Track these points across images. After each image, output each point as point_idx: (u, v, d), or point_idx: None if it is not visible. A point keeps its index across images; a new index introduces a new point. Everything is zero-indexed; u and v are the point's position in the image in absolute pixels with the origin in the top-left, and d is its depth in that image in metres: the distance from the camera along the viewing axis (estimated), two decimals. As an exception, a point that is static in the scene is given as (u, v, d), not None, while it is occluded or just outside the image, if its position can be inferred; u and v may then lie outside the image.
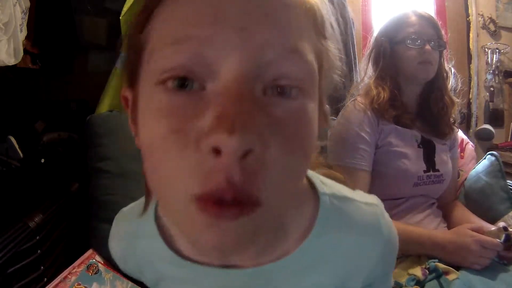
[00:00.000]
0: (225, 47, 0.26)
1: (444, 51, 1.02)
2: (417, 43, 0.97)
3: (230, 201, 0.25)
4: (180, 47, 0.26)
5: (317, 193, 0.40)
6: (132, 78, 0.32)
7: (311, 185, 0.41)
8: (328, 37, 0.34)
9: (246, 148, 0.24)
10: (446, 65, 1.04)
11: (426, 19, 0.99)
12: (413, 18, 0.99)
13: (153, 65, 0.28)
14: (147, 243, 0.42)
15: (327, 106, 0.36)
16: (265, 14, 0.27)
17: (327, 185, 0.41)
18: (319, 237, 0.38)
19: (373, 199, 0.44)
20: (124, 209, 0.48)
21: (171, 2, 0.28)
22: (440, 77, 1.02)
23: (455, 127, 1.08)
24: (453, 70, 1.06)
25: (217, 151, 0.24)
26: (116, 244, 0.48)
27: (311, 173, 0.41)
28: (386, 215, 0.43)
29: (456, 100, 1.05)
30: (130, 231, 0.44)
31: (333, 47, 0.34)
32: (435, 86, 1.02)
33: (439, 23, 1.02)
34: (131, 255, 0.45)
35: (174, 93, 0.26)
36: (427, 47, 0.96)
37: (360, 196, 0.43)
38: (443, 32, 1.01)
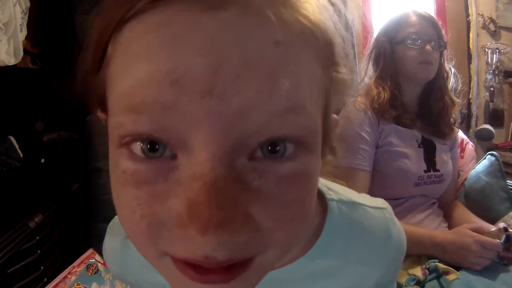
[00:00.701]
0: (191, 118, 0.20)
1: (444, 51, 1.02)
2: (417, 43, 0.97)
3: (215, 268, 0.21)
4: (137, 116, 0.20)
5: (324, 199, 0.37)
6: (102, 107, 0.26)
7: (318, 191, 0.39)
8: (338, 59, 0.27)
9: (225, 242, 0.19)
10: (446, 65, 1.04)
11: (426, 19, 0.99)
12: (414, 18, 0.99)
13: (111, 124, 0.23)
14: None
15: (334, 115, 0.30)
16: (244, 66, 0.20)
17: (333, 190, 0.39)
18: (327, 244, 0.36)
19: (381, 202, 0.42)
20: (116, 219, 0.44)
21: (122, 50, 0.22)
22: (440, 77, 1.02)
23: (455, 127, 1.08)
24: (453, 70, 1.06)
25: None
26: (111, 258, 0.45)
27: None
28: (395, 219, 0.42)
29: (456, 100, 1.05)
30: (123, 244, 0.42)
31: (344, 71, 0.28)
32: (435, 86, 1.02)
33: (439, 23, 1.02)
34: (126, 267, 0.43)
35: (141, 161, 0.21)
36: (428, 47, 0.96)
37: (368, 200, 0.41)
38: (443, 32, 1.01)
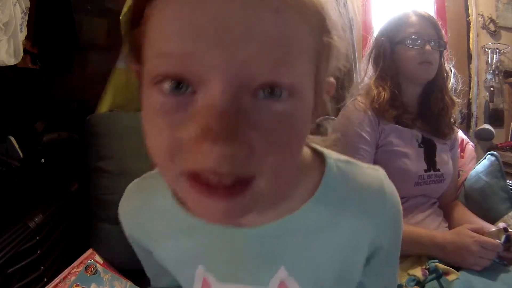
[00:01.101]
0: (208, 64, 0.26)
1: (444, 51, 1.02)
2: (417, 43, 0.97)
3: (220, 184, 0.27)
4: (166, 61, 0.27)
5: (323, 159, 0.42)
6: (137, 59, 0.33)
7: (317, 153, 0.43)
8: (331, 29, 0.33)
9: (230, 154, 0.26)
10: (446, 65, 1.04)
11: (426, 19, 0.99)
12: (413, 18, 0.99)
13: (146, 68, 0.30)
14: (161, 205, 0.44)
15: (331, 79, 0.37)
16: (249, 28, 0.26)
17: (332, 153, 0.43)
18: (325, 196, 0.40)
19: (375, 166, 0.46)
20: (136, 180, 0.49)
21: (157, 12, 0.28)
22: (440, 77, 1.02)
23: (455, 127, 1.08)
24: (453, 70, 1.06)
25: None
26: (127, 216, 0.49)
27: (315, 145, 0.44)
28: (388, 179, 0.45)
29: (456, 100, 1.05)
30: (144, 196, 0.46)
31: (337, 39, 0.33)
32: (435, 86, 1.02)
33: (439, 23, 1.02)
34: (141, 217, 0.46)
35: (168, 96, 0.28)
36: (427, 47, 0.96)
37: (362, 162, 0.45)
38: (443, 32, 1.01)
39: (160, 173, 0.32)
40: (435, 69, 0.99)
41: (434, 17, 1.03)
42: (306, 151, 0.42)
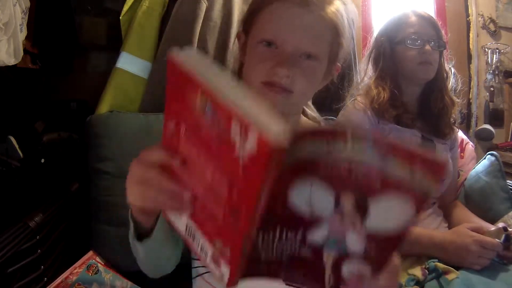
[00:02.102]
0: (286, 38, 0.61)
1: (444, 51, 1.02)
2: (417, 43, 0.97)
3: (279, 88, 0.62)
4: (268, 33, 0.63)
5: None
6: (247, 30, 0.68)
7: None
8: (340, 35, 0.66)
9: (287, 75, 0.60)
10: (446, 65, 1.04)
11: (426, 19, 0.99)
12: (413, 18, 0.99)
13: (253, 35, 0.66)
14: None
15: (338, 64, 0.72)
16: (304, 27, 0.62)
17: None
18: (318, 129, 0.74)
19: None
20: None
21: (268, 12, 0.64)
22: (440, 77, 1.02)
23: (455, 127, 1.08)
24: (453, 70, 1.06)
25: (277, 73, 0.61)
26: None
27: None
28: None
29: (456, 100, 1.05)
30: None
31: (345, 43, 0.68)
32: (435, 86, 1.02)
33: (439, 23, 1.02)
34: None
35: (265, 48, 0.62)
36: (427, 47, 0.96)
37: None
38: (443, 32, 1.01)
39: (249, 83, 0.65)
40: (434, 69, 0.99)
41: (434, 17, 1.03)
42: (307, 119, 0.78)
